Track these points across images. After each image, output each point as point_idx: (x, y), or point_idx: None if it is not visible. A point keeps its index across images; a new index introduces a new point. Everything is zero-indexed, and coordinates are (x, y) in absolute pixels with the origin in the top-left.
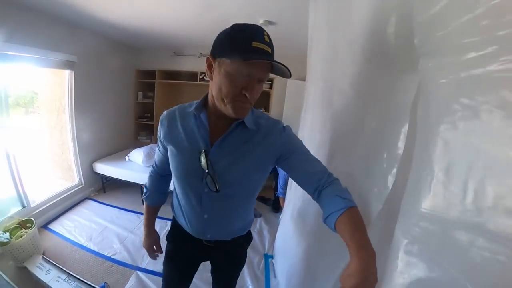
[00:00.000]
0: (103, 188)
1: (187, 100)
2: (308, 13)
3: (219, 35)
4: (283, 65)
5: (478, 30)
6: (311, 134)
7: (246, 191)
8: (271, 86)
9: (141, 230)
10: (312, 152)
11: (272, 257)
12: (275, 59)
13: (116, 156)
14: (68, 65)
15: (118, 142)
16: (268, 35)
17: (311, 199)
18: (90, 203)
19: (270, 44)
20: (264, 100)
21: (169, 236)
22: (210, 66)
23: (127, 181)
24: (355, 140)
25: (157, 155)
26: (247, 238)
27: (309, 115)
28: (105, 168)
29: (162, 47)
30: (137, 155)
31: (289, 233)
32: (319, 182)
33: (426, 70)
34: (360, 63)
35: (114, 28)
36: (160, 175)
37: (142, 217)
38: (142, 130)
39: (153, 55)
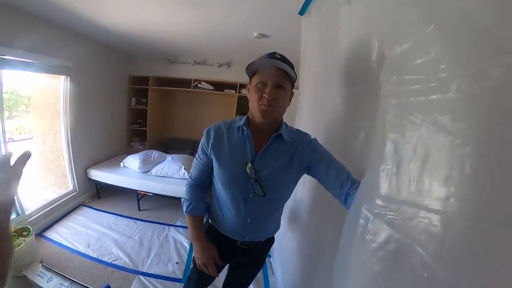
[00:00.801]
0: (97, 194)
1: (181, 106)
2: (300, 28)
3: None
4: (287, 64)
5: (425, 71)
6: None
7: (283, 196)
8: None
9: (139, 236)
10: None
11: (269, 256)
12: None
13: (110, 162)
14: (63, 70)
15: (111, 148)
16: (280, 54)
17: (302, 199)
18: (85, 210)
19: (281, 59)
20: None
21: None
22: (248, 90)
23: (122, 187)
24: (346, 147)
25: (196, 167)
26: (272, 240)
27: (302, 124)
28: (99, 175)
29: (157, 54)
30: (133, 161)
31: (282, 231)
32: (342, 189)
33: (385, 93)
34: (348, 84)
35: (110, 33)
36: (199, 186)
37: (140, 223)
38: (135, 136)
39: (147, 61)
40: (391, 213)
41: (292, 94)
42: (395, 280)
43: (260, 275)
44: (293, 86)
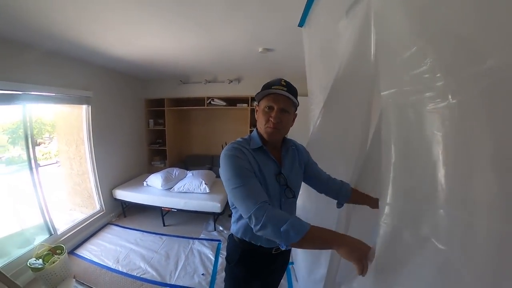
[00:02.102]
0: (123, 213)
1: (197, 124)
2: (302, 40)
3: (262, 87)
4: (290, 91)
5: (421, 81)
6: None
7: (298, 193)
8: None
9: (165, 250)
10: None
11: (292, 263)
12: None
13: (134, 182)
14: (84, 100)
15: (134, 169)
16: (285, 81)
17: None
18: (112, 228)
19: (285, 86)
20: None
21: (241, 261)
22: (256, 111)
23: (146, 204)
24: (354, 148)
25: (255, 188)
26: None
27: (314, 133)
28: (124, 194)
29: (169, 77)
30: (155, 180)
31: None
32: (329, 183)
33: (387, 105)
34: (349, 94)
35: (125, 62)
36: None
37: (165, 238)
38: (155, 156)
39: (161, 84)
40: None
41: (296, 115)
42: None
43: (284, 281)
44: (296, 109)
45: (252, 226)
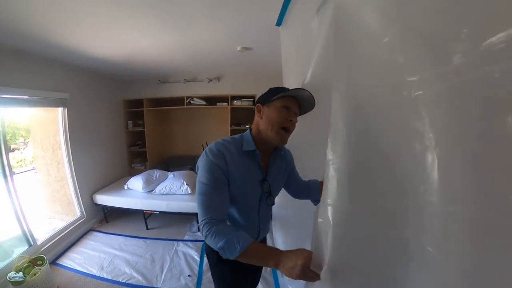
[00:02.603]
0: (105, 218)
1: (177, 124)
2: (280, 39)
3: (267, 92)
4: (308, 92)
5: (390, 78)
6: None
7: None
8: (254, 103)
9: (150, 254)
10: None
11: None
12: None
13: (114, 185)
14: (60, 102)
15: (114, 172)
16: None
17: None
18: (94, 235)
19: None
20: (250, 116)
21: (220, 259)
22: (259, 111)
23: (128, 208)
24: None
25: (216, 202)
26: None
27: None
28: (105, 199)
29: (148, 76)
30: (136, 183)
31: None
32: (303, 190)
33: (355, 103)
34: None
35: (101, 63)
36: (223, 221)
37: (149, 241)
38: (135, 158)
39: (139, 84)
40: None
41: None
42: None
43: (270, 277)
44: None
45: (203, 235)
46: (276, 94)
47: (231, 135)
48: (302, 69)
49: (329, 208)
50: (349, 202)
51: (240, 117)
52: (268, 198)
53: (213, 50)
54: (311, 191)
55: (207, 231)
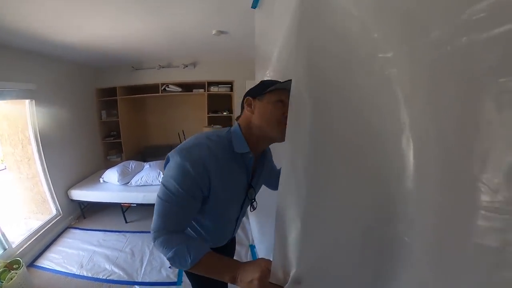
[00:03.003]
0: (82, 214)
1: (152, 112)
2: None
3: (258, 85)
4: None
5: (368, 56)
6: None
7: None
8: (231, 89)
9: (130, 248)
10: None
11: (254, 246)
12: None
13: (90, 179)
14: (26, 94)
15: (89, 165)
16: None
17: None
18: (72, 232)
19: None
20: (227, 102)
21: None
22: (250, 105)
23: (105, 202)
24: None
25: (178, 216)
26: None
27: None
28: (81, 194)
29: (121, 64)
30: (111, 175)
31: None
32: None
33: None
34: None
35: (70, 50)
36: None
37: (129, 235)
38: (110, 149)
39: (112, 72)
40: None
41: None
42: None
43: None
44: None
45: (152, 240)
46: (268, 87)
47: (208, 123)
48: (269, 53)
49: (291, 206)
50: (314, 198)
51: (218, 104)
52: (252, 204)
53: (187, 34)
54: None
55: (155, 238)
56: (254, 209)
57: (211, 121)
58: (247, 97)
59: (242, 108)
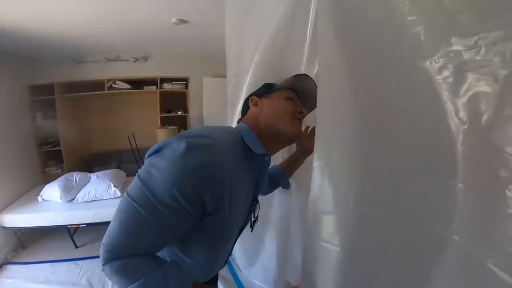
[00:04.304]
0: (20, 244)
1: (97, 113)
2: (224, 13)
3: (261, 86)
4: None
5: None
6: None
7: None
8: (186, 86)
9: (86, 278)
10: None
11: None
12: None
13: (25, 199)
14: None
15: (23, 181)
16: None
17: None
18: (10, 269)
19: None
20: (182, 101)
21: None
22: (256, 103)
23: (48, 226)
24: None
25: (151, 240)
26: None
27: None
28: (16, 219)
29: (60, 54)
30: (52, 191)
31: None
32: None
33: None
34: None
35: None
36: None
37: (82, 263)
38: (49, 160)
39: (49, 65)
40: None
41: None
42: None
43: (228, 274)
44: None
45: (100, 258)
46: (273, 87)
47: (161, 124)
48: (248, 44)
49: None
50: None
51: (172, 103)
52: (255, 222)
53: (141, 21)
54: (277, 180)
55: (109, 260)
56: (252, 229)
57: (165, 122)
58: (252, 97)
59: (243, 112)
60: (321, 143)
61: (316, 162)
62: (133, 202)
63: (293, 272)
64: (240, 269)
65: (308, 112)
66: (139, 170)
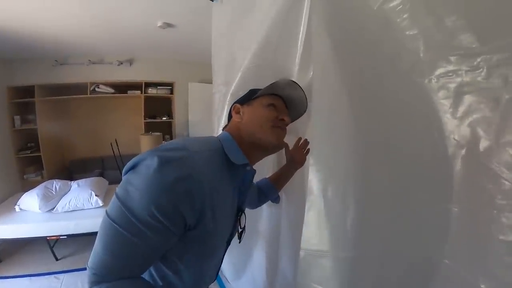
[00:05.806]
0: None
1: (79, 118)
2: (211, 19)
3: (247, 93)
4: (301, 89)
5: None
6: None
7: None
8: (171, 91)
9: None
10: None
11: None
12: None
13: (2, 208)
14: None
15: None
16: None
17: None
18: None
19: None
20: (166, 106)
21: None
22: (238, 111)
23: (25, 238)
24: None
25: (137, 260)
26: None
27: (215, 121)
28: None
29: (41, 56)
30: (30, 200)
31: None
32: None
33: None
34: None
35: None
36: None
37: (63, 276)
38: (28, 166)
39: (29, 66)
40: None
41: None
42: None
43: (214, 286)
44: None
45: (87, 281)
46: (260, 91)
47: (145, 129)
48: (235, 50)
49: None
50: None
51: (156, 108)
52: (242, 233)
53: (126, 24)
54: (266, 193)
55: (96, 284)
56: (240, 240)
57: (149, 127)
58: (235, 104)
59: (229, 118)
60: (314, 178)
61: (310, 202)
62: (114, 224)
63: (282, 285)
64: (228, 281)
65: (292, 121)
66: (117, 188)
